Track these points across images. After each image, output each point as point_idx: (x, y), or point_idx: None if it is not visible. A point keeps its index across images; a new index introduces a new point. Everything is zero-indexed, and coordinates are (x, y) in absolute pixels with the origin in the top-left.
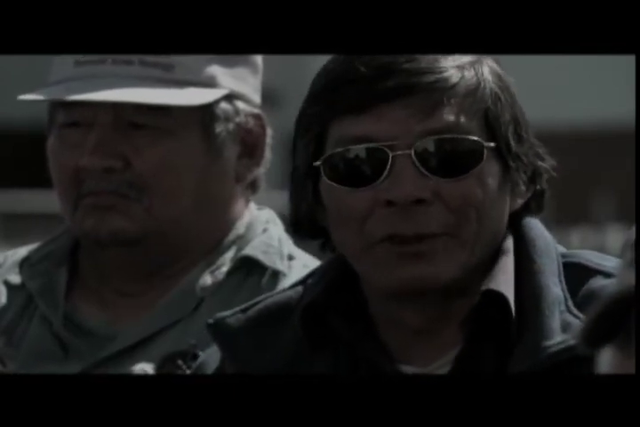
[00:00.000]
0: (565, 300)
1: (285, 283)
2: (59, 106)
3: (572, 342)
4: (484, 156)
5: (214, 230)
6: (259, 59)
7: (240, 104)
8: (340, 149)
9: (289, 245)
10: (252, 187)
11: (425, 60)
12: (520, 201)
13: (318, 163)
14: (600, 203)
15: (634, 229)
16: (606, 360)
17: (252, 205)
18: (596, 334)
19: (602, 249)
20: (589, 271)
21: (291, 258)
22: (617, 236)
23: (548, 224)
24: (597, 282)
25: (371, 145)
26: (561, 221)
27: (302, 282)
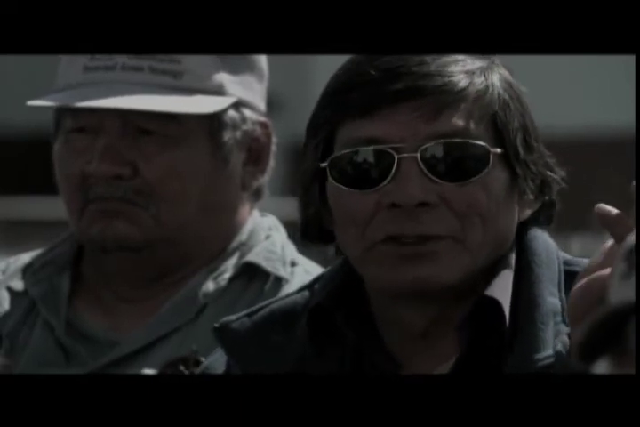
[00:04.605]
0: (562, 310)
1: (288, 289)
2: (66, 111)
3: (564, 354)
4: (490, 161)
5: (218, 237)
6: (264, 66)
7: (247, 112)
8: (346, 151)
9: (291, 251)
10: (257, 194)
11: (434, 64)
12: (528, 211)
13: (325, 164)
14: None
15: (628, 240)
16: (602, 372)
17: (256, 212)
18: (591, 348)
19: None
20: None
21: (293, 264)
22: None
23: (548, 231)
24: None
25: (377, 147)
26: (561, 229)
27: (309, 286)
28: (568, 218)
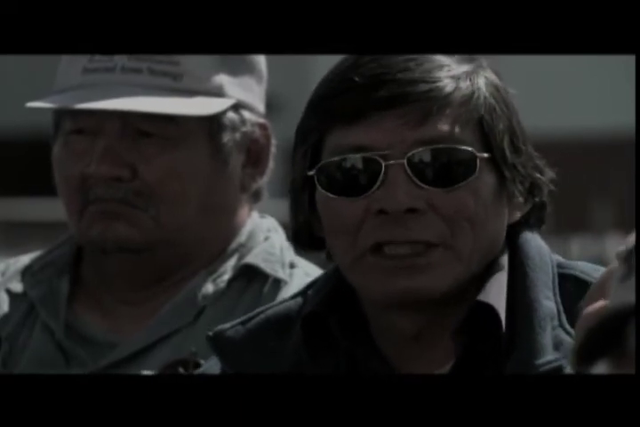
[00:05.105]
0: (559, 314)
1: (287, 291)
2: (65, 114)
3: (563, 360)
4: (478, 166)
5: (218, 239)
6: (263, 68)
7: (246, 114)
8: (333, 159)
9: (290, 253)
10: (256, 195)
11: (419, 70)
12: (518, 214)
13: (312, 172)
14: (599, 211)
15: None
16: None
17: (255, 214)
18: (590, 350)
19: (601, 257)
20: (585, 284)
21: (292, 266)
22: (616, 244)
23: (548, 233)
24: None
25: (364, 154)
26: (560, 230)
27: (302, 293)
28: (567, 219)
